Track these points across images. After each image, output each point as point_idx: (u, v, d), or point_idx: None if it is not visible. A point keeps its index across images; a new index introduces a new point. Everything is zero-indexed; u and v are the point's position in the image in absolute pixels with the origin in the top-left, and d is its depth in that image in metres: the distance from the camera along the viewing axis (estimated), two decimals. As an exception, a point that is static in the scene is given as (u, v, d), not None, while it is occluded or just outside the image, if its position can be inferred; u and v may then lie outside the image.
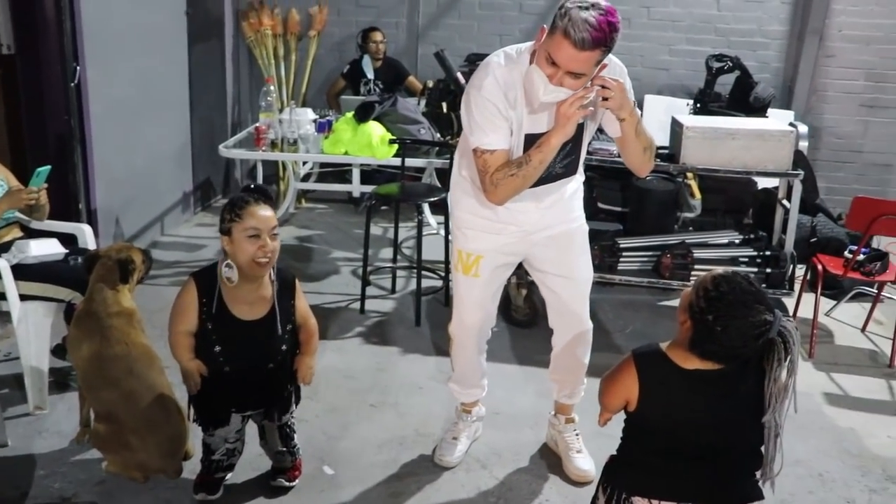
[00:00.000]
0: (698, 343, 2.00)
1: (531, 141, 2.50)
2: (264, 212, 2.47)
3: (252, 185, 2.60)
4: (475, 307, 2.88)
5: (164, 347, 2.75)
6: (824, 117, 6.43)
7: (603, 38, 2.25)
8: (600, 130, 2.79)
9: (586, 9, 2.24)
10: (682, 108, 5.69)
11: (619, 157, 4.12)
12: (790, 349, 1.97)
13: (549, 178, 2.59)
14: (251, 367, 2.58)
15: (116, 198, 4.88)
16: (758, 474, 2.10)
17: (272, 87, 5.14)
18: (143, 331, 2.88)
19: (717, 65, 5.25)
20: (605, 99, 2.38)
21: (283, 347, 2.62)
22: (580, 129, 2.53)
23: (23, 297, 3.20)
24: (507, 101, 2.46)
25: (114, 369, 2.69)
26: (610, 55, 2.38)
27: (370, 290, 4.58)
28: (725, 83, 5.60)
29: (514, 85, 2.47)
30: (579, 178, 2.79)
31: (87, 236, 3.62)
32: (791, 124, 4.25)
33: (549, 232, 2.78)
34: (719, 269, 2.04)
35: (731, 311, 1.94)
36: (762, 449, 2.07)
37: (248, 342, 2.56)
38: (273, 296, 2.58)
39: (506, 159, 2.50)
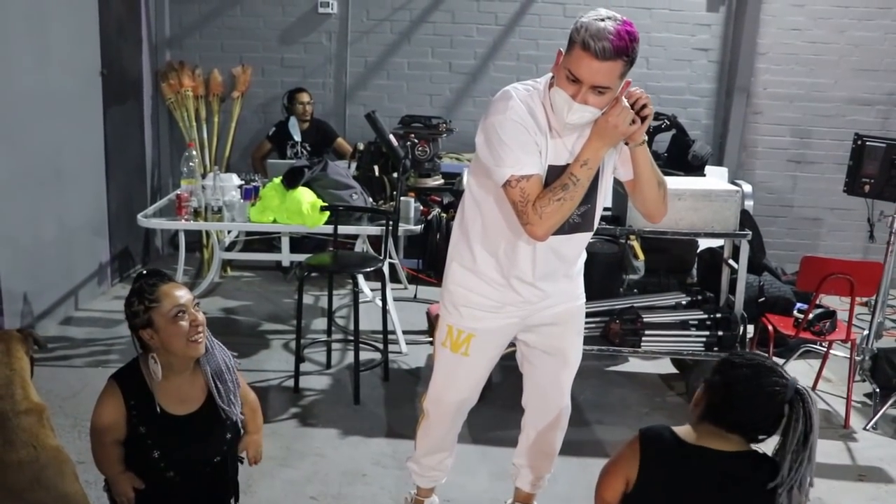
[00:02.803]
0: (711, 412, 1.93)
1: (553, 175, 2.31)
2: (178, 289, 2.24)
3: (146, 272, 2.32)
4: (458, 387, 2.67)
5: (76, 440, 2.43)
6: (755, 173, 6.48)
7: (624, 46, 2.12)
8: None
9: (602, 20, 2.14)
10: (617, 167, 5.64)
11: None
12: (809, 412, 1.84)
13: (564, 228, 2.38)
14: (197, 466, 2.28)
15: (23, 271, 4.49)
16: None
17: (194, 152, 4.86)
18: (53, 429, 2.54)
19: (653, 123, 5.19)
20: (642, 109, 2.24)
21: (228, 435, 2.34)
22: (595, 175, 2.34)
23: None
24: (534, 123, 2.29)
25: (18, 479, 2.32)
26: None
27: (304, 366, 4.28)
28: (660, 140, 5.56)
29: (535, 110, 2.30)
30: (588, 238, 2.57)
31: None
32: (735, 183, 4.18)
33: (551, 311, 2.60)
34: (748, 355, 1.97)
35: (744, 373, 1.89)
36: None
37: (190, 439, 2.26)
38: (209, 380, 2.30)
39: (541, 186, 2.29)
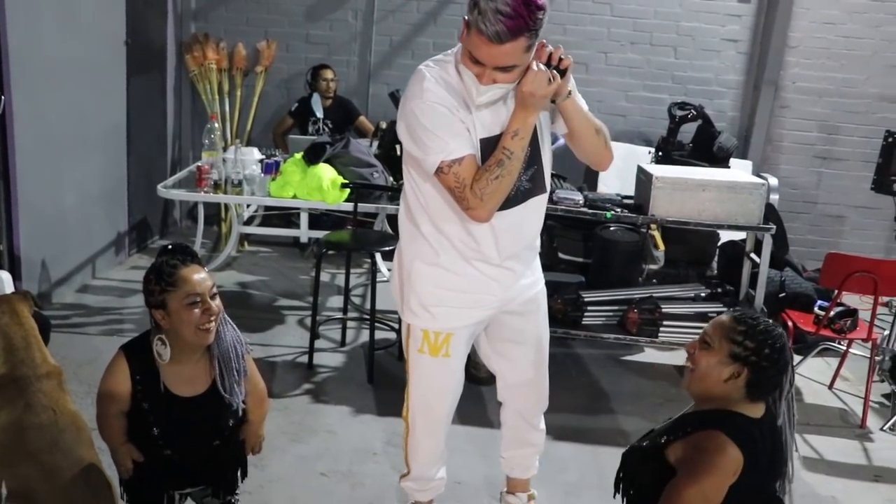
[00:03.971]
0: (759, 387, 1.98)
1: (489, 146, 2.20)
2: (198, 274, 2.16)
3: (170, 246, 2.25)
4: (446, 391, 2.52)
5: (90, 407, 2.42)
6: (780, 167, 6.39)
7: (523, 24, 2.00)
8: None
9: None
10: (640, 156, 5.58)
11: (583, 205, 4.01)
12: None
13: (517, 196, 2.28)
14: (195, 448, 2.26)
15: (43, 239, 4.50)
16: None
17: (216, 124, 4.85)
18: (69, 392, 2.54)
19: (680, 113, 5.14)
20: (559, 69, 2.12)
21: (230, 422, 2.30)
22: (534, 135, 2.25)
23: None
24: (454, 101, 2.17)
25: (36, 441, 2.32)
26: None
27: (318, 343, 4.27)
28: (686, 131, 5.49)
29: (452, 85, 2.19)
30: (544, 201, 2.44)
31: (4, 283, 3.25)
32: (761, 176, 4.12)
33: (521, 298, 2.51)
34: (751, 314, 2.04)
35: (783, 345, 1.98)
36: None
37: (191, 421, 2.23)
38: (214, 365, 2.26)
39: (476, 167, 2.18)
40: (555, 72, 2.13)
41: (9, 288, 3.26)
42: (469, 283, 2.39)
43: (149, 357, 2.20)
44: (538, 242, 2.54)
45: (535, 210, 2.40)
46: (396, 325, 4.36)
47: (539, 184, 2.37)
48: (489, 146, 2.21)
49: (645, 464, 2.04)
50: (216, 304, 2.18)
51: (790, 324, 4.05)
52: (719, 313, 4.10)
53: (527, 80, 2.11)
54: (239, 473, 2.45)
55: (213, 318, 2.16)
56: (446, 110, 2.16)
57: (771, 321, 2.02)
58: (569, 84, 2.22)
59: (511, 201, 2.27)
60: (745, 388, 1.97)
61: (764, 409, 2.00)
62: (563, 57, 2.16)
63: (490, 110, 2.22)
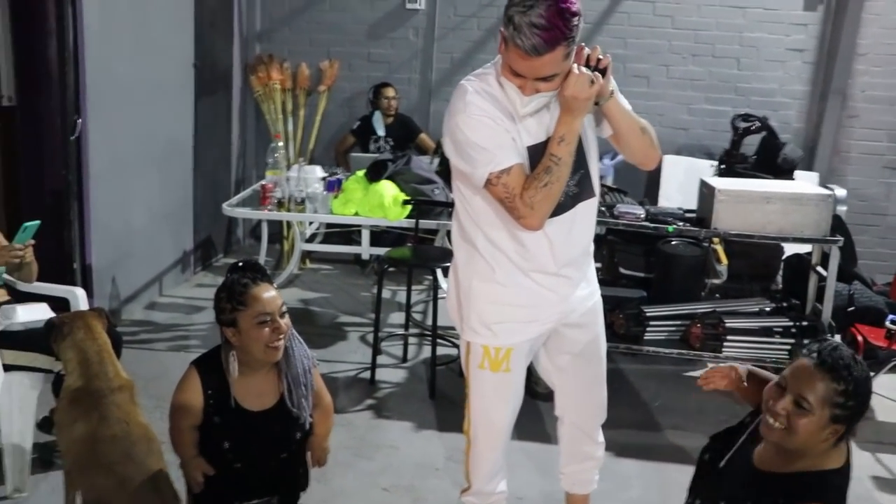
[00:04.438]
0: (849, 433, 1.85)
1: (536, 154, 2.21)
2: (269, 292, 2.21)
3: (241, 264, 2.30)
4: (507, 405, 2.51)
5: (158, 422, 2.50)
6: (847, 179, 6.23)
7: (559, 34, 2.00)
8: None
9: (530, 7, 1.99)
10: (702, 169, 5.52)
11: (644, 219, 3.98)
12: None
13: (566, 202, 2.28)
14: (264, 461, 2.31)
15: (113, 257, 4.64)
16: None
17: (280, 144, 4.94)
18: (139, 406, 2.61)
19: (743, 125, 5.07)
20: (599, 69, 2.13)
21: (298, 435, 2.35)
22: (579, 140, 2.24)
23: (7, 368, 2.94)
24: (498, 112, 2.18)
25: (110, 453, 2.39)
26: None
27: (380, 359, 4.31)
28: (749, 143, 5.41)
29: (495, 96, 2.20)
30: (594, 205, 2.42)
31: (79, 300, 3.37)
32: (827, 187, 4.04)
33: (580, 310, 2.49)
34: (839, 358, 1.81)
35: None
36: None
37: (261, 435, 2.29)
38: (283, 382, 2.31)
39: (524, 176, 2.19)
40: (596, 73, 2.13)
41: (83, 304, 3.37)
42: (527, 296, 2.38)
43: (220, 372, 2.26)
44: (592, 248, 2.53)
45: (585, 214, 2.39)
46: (457, 341, 4.38)
47: (587, 188, 2.37)
48: (537, 153, 2.21)
49: None
50: (285, 322, 2.23)
51: (860, 338, 3.95)
52: (785, 328, 4.06)
53: (568, 84, 2.11)
54: (303, 482, 2.48)
55: (281, 337, 2.20)
56: (491, 121, 2.17)
57: (852, 354, 1.84)
58: (610, 84, 2.22)
59: (561, 207, 2.27)
60: (837, 439, 1.83)
61: (846, 450, 1.89)
62: (601, 57, 2.16)
63: (534, 118, 2.23)
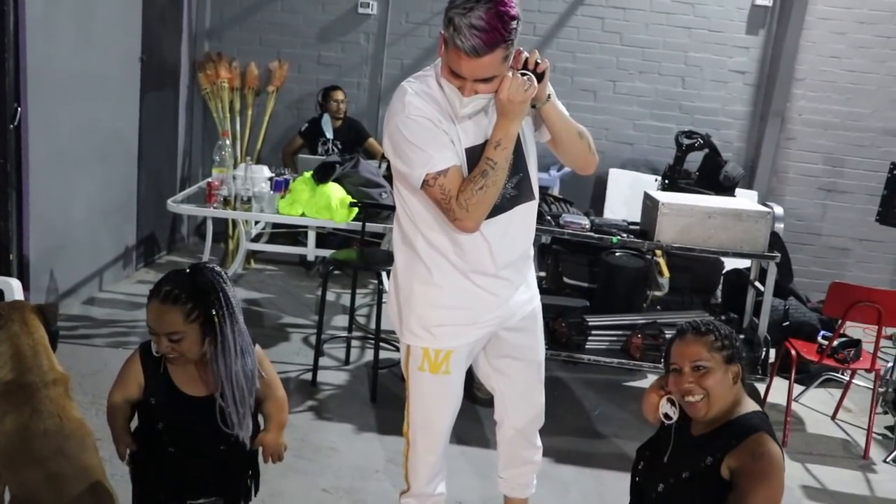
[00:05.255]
0: (743, 375, 2.17)
1: (474, 156, 2.23)
2: (163, 314, 2.11)
3: (189, 270, 2.20)
4: (447, 408, 2.52)
5: (93, 418, 2.45)
6: (785, 198, 6.41)
7: (498, 36, 2.04)
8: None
9: (470, 10, 2.03)
10: (647, 183, 5.63)
11: (588, 229, 4.04)
12: None
13: (502, 204, 2.30)
14: (199, 449, 2.26)
15: (51, 249, 4.54)
16: None
17: (227, 142, 4.89)
18: (74, 400, 2.55)
19: (687, 141, 5.18)
20: (536, 74, 2.16)
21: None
22: (518, 143, 2.28)
23: (-63, 358, 2.83)
24: (437, 113, 2.20)
25: (41, 447, 2.33)
26: None
27: (322, 361, 4.28)
28: (692, 160, 5.53)
29: (434, 98, 2.22)
30: (533, 208, 2.45)
31: (14, 291, 3.29)
32: (766, 205, 4.15)
33: (519, 314, 2.52)
34: (700, 322, 2.16)
35: None
36: None
37: (195, 421, 2.23)
38: (218, 395, 2.22)
39: (461, 178, 2.21)
40: (532, 76, 2.16)
41: (19, 296, 3.29)
42: (466, 298, 2.39)
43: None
44: (531, 252, 2.56)
45: (523, 217, 2.42)
46: (399, 345, 4.37)
47: (525, 191, 2.39)
48: (474, 156, 2.24)
49: (692, 491, 2.06)
50: (178, 347, 2.13)
51: (793, 353, 4.05)
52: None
53: (503, 87, 2.14)
54: (252, 486, 2.43)
55: (170, 353, 2.15)
56: (429, 122, 2.19)
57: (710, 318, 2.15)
58: (547, 88, 2.26)
59: (497, 209, 2.29)
60: (741, 383, 2.10)
61: (752, 401, 2.14)
62: (538, 61, 2.19)
63: (473, 120, 2.26)
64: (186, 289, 2.13)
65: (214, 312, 2.14)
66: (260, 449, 2.33)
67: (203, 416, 2.24)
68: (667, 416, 2.18)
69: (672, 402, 2.17)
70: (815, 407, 4.47)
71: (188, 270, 2.19)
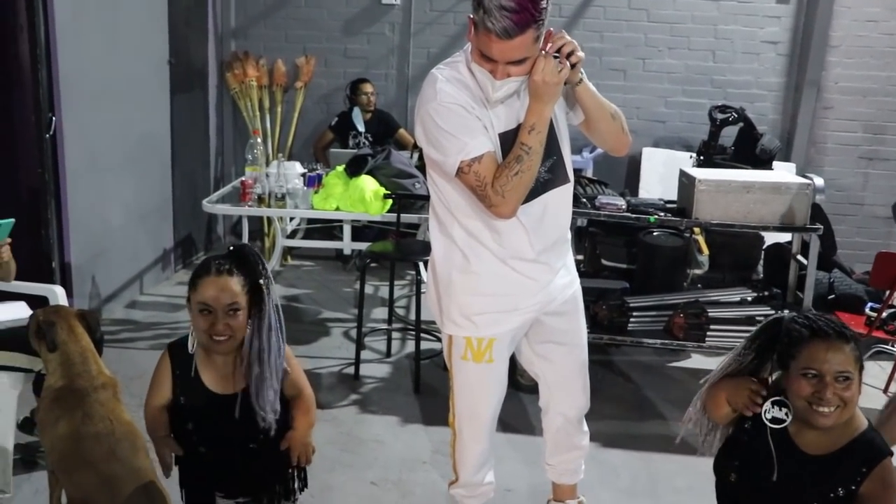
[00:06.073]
0: None
1: (507, 141, 2.21)
2: (222, 286, 2.14)
3: (232, 248, 2.26)
4: (492, 396, 2.52)
5: (141, 420, 2.46)
6: (824, 169, 6.28)
7: (529, 16, 2.02)
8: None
9: None
10: (681, 161, 5.54)
11: (625, 210, 3.99)
12: None
13: (537, 188, 2.28)
14: (229, 448, 2.28)
15: (92, 255, 4.59)
16: None
17: (258, 140, 4.91)
18: (123, 403, 2.58)
19: (720, 116, 5.08)
20: (570, 55, 2.12)
21: (265, 426, 2.30)
22: (551, 127, 2.25)
23: (-14, 367, 2.89)
24: (469, 99, 2.19)
25: (94, 450, 2.36)
26: None
27: (363, 354, 4.29)
28: (727, 135, 5.45)
29: (466, 84, 2.21)
30: (568, 191, 2.43)
31: (58, 298, 3.32)
32: (806, 177, 4.06)
33: (560, 299, 2.50)
34: (820, 317, 1.98)
35: None
36: None
37: (223, 419, 2.25)
38: (249, 383, 2.25)
39: (495, 164, 2.19)
40: (564, 60, 2.13)
41: (62, 301, 3.33)
42: (507, 285, 2.38)
43: (189, 353, 2.24)
44: (569, 235, 2.54)
45: (558, 201, 2.40)
46: (440, 335, 4.36)
47: (560, 174, 2.37)
48: (507, 140, 2.22)
49: None
50: (233, 322, 2.16)
51: (841, 326, 3.97)
52: (766, 316, 4.08)
53: (537, 69, 2.12)
54: (296, 484, 2.44)
55: (221, 334, 2.16)
56: (462, 109, 2.18)
57: (821, 313, 2.03)
58: (580, 71, 2.23)
59: (532, 193, 2.27)
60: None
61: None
62: (564, 44, 2.15)
63: (505, 104, 2.24)
64: (233, 261, 2.20)
65: (262, 282, 2.19)
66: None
67: (232, 415, 2.25)
68: (776, 419, 2.00)
69: (781, 406, 2.00)
70: (866, 381, 4.36)
71: (230, 248, 2.25)
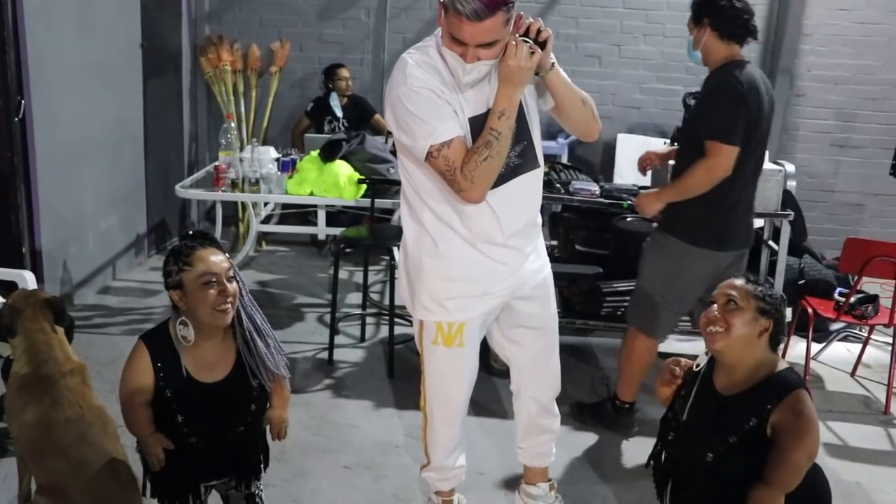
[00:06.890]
0: (778, 337, 2.11)
1: (478, 125, 2.22)
2: (215, 255, 2.18)
3: (192, 232, 2.29)
4: (462, 380, 2.53)
5: (114, 405, 2.45)
6: (796, 156, 6.34)
7: None
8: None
9: None
10: (656, 147, 5.54)
11: (599, 195, 4.01)
12: None
13: (506, 172, 2.28)
14: (219, 435, 2.28)
15: (63, 240, 4.55)
16: None
17: (232, 125, 4.87)
18: (93, 388, 2.57)
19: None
20: (538, 42, 2.14)
21: (253, 407, 2.31)
22: (521, 112, 2.27)
23: (-47, 353, 2.86)
24: (439, 83, 2.19)
25: (64, 436, 2.35)
26: None
27: (338, 339, 4.29)
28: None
29: (436, 68, 2.21)
30: (538, 176, 2.44)
31: (28, 283, 3.29)
32: (777, 163, 4.10)
33: (531, 283, 2.51)
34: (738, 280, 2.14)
35: None
36: None
37: (214, 407, 2.24)
38: (237, 348, 2.28)
39: (465, 148, 2.20)
40: (535, 44, 2.14)
41: (32, 286, 3.30)
42: (477, 269, 2.39)
43: (169, 344, 2.21)
44: (539, 220, 2.55)
45: (528, 185, 2.41)
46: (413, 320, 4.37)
47: (530, 159, 2.38)
48: (477, 125, 2.22)
49: (741, 456, 2.06)
50: (233, 286, 2.19)
51: (810, 310, 4.03)
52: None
53: (508, 54, 2.13)
54: (262, 462, 2.45)
55: (229, 300, 2.17)
56: (431, 93, 2.18)
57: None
58: (550, 56, 2.23)
59: (502, 178, 2.28)
60: (769, 341, 2.10)
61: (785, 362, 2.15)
62: (541, 29, 2.17)
63: (475, 89, 2.24)
64: (204, 238, 2.24)
65: (228, 256, 2.28)
66: (268, 427, 2.39)
67: (222, 401, 2.25)
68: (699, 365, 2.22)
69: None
70: (833, 364, 4.45)
71: (189, 233, 2.29)
